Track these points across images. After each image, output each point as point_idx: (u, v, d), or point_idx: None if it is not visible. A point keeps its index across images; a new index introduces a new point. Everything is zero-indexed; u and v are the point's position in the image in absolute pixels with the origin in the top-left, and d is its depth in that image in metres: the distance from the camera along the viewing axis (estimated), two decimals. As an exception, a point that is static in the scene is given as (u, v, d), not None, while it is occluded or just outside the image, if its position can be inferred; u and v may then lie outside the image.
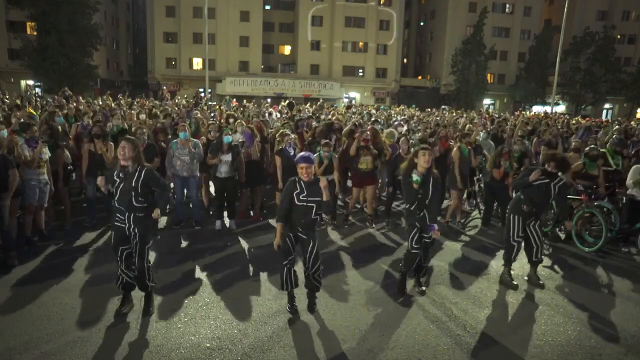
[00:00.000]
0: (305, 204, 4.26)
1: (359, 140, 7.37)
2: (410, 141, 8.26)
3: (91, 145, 6.87)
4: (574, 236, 6.94)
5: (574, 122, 17.93)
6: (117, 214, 4.21)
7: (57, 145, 6.77)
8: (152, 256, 4.50)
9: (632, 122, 20.66)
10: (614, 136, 9.77)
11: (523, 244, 5.46)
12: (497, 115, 20.78)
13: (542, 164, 5.36)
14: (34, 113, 10.34)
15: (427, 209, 4.86)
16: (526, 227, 5.37)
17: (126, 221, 4.18)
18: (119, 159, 4.15)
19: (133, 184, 4.11)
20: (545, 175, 5.25)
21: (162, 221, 7.52)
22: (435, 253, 6.37)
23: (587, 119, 23.12)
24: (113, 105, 14.74)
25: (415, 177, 4.74)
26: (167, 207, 7.44)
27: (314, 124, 10.32)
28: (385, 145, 8.17)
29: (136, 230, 4.19)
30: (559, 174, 5.33)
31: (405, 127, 10.43)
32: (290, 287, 4.48)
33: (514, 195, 5.85)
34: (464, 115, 20.63)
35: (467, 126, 11.14)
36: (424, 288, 5.17)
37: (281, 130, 7.99)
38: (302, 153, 4.36)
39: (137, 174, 4.14)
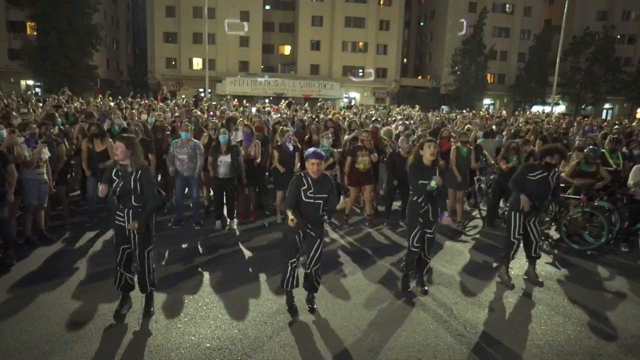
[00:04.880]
0: (312, 200, 4.23)
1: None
2: (411, 139, 8.27)
3: (90, 144, 6.87)
4: (563, 236, 6.97)
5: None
6: (117, 212, 4.19)
7: (57, 142, 6.80)
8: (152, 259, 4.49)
9: (625, 121, 20.48)
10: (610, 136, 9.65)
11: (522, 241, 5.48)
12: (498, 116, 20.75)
13: (541, 157, 5.33)
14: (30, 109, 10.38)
15: (434, 200, 4.87)
16: (526, 224, 5.37)
17: (125, 219, 4.14)
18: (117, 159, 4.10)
19: (132, 184, 4.06)
20: (543, 169, 5.26)
21: (162, 221, 7.53)
22: (436, 253, 6.36)
23: (586, 119, 23.11)
24: (112, 104, 14.75)
25: (433, 183, 4.72)
26: (154, 218, 7.33)
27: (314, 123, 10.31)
28: (386, 143, 8.19)
29: (136, 236, 4.15)
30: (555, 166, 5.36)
31: (402, 128, 10.42)
32: (291, 287, 4.49)
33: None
34: (464, 114, 20.65)
35: (466, 126, 11.16)
36: (426, 288, 5.17)
37: (281, 127, 8.02)
38: (312, 149, 4.29)
39: (134, 174, 4.08)
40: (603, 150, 7.99)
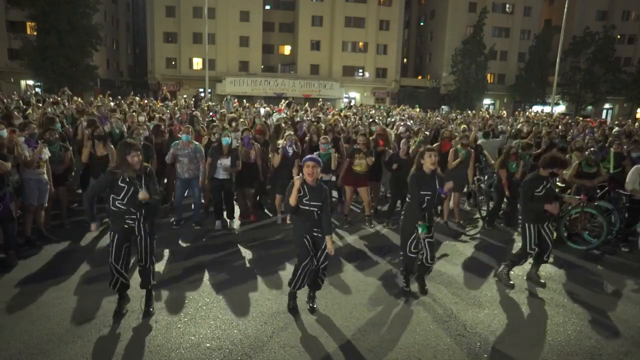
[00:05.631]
0: (308, 207, 4.28)
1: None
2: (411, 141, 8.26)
3: (92, 149, 6.86)
4: (563, 236, 6.97)
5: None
6: (127, 216, 4.16)
7: (65, 148, 6.82)
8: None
9: (628, 122, 20.31)
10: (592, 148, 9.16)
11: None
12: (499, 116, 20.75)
13: (544, 167, 5.31)
14: (30, 112, 10.41)
15: (431, 207, 4.96)
16: (540, 229, 5.34)
17: (137, 219, 4.19)
18: (130, 166, 4.09)
19: (143, 187, 4.15)
20: (545, 179, 5.27)
21: (162, 221, 7.53)
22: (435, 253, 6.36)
23: (588, 119, 23.13)
24: (112, 105, 14.74)
25: (420, 230, 4.78)
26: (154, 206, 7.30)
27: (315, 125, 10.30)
28: (391, 144, 8.21)
29: (146, 225, 4.25)
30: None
31: (403, 129, 10.40)
32: (299, 288, 4.51)
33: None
34: (463, 114, 20.66)
35: (462, 126, 11.16)
36: (426, 288, 5.18)
37: (284, 131, 8.01)
38: (309, 155, 4.41)
39: (142, 177, 4.20)
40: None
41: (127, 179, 4.11)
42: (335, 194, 8.65)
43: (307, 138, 8.75)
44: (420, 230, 4.80)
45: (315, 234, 4.42)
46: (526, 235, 5.32)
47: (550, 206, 5.11)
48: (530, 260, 5.58)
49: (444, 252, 6.59)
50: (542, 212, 5.18)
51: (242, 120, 9.88)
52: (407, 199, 5.07)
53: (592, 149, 7.66)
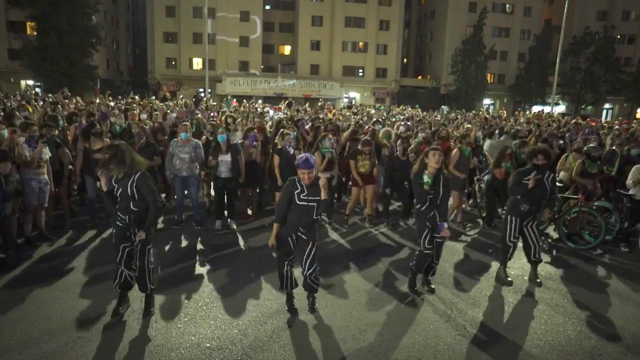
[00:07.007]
0: (306, 203, 4.24)
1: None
2: (411, 140, 8.27)
3: (86, 143, 6.85)
4: (562, 236, 6.97)
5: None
6: (119, 214, 4.20)
7: (59, 145, 6.80)
8: (152, 257, 4.47)
9: (634, 123, 20.34)
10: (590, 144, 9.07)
11: (520, 244, 5.51)
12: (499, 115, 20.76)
13: (530, 159, 5.39)
14: (30, 110, 10.43)
15: (437, 208, 4.87)
16: (523, 227, 5.39)
17: (127, 222, 4.18)
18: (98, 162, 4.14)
19: (128, 191, 4.09)
20: (537, 171, 5.28)
21: (162, 221, 7.53)
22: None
23: (588, 119, 23.13)
24: (112, 104, 14.75)
25: (425, 179, 4.75)
26: (158, 221, 7.22)
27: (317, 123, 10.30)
28: (384, 144, 8.19)
29: (137, 231, 4.17)
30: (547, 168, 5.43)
31: (403, 129, 10.39)
32: (290, 288, 4.49)
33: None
34: (463, 114, 20.67)
35: (466, 126, 11.15)
36: (432, 286, 5.18)
37: (282, 130, 8.01)
38: (301, 156, 4.26)
39: (130, 179, 4.10)
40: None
41: (118, 178, 4.11)
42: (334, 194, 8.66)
43: (308, 138, 8.76)
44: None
45: (300, 234, 4.34)
46: (507, 227, 5.43)
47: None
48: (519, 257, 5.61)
49: (443, 252, 6.57)
50: (526, 195, 5.25)
51: (239, 121, 9.88)
52: (413, 200, 5.08)
53: (590, 145, 7.65)
